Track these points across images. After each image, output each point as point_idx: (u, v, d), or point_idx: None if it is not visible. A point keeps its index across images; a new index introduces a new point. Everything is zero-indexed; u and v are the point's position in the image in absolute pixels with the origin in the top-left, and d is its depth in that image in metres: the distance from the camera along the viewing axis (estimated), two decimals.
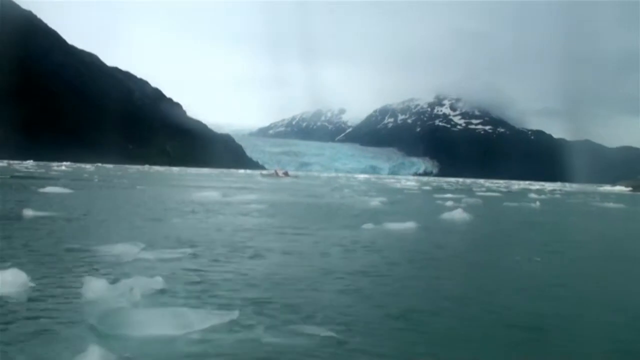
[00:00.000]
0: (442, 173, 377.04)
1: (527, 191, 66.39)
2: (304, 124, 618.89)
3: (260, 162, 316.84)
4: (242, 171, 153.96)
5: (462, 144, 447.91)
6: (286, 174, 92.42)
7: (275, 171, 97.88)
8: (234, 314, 5.74)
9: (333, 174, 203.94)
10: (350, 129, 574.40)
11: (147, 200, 22.19)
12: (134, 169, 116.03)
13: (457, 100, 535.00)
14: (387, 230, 14.30)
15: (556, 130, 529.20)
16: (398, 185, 69.75)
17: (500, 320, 6.28)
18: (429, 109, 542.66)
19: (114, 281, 6.96)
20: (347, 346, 5.15)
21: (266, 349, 4.98)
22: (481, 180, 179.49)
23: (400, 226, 14.96)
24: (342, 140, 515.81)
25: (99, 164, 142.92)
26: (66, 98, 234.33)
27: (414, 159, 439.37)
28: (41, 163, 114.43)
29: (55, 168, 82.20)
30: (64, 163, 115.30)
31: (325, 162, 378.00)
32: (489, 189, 66.62)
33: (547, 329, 6.04)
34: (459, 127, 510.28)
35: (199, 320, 5.50)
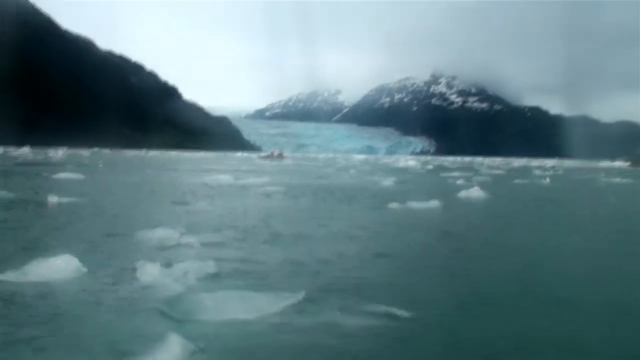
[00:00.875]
0: (439, 152, 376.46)
1: (529, 168, 66.48)
2: (301, 105, 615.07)
3: (258, 144, 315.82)
4: (239, 154, 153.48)
5: (459, 122, 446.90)
6: (280, 155, 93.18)
7: (272, 153, 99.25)
8: (300, 296, 5.69)
9: (331, 155, 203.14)
10: (346, 109, 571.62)
11: (163, 184, 22.11)
12: (131, 153, 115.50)
13: (454, 78, 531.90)
14: (414, 210, 14.28)
15: (553, 106, 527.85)
16: (400, 165, 69.66)
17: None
18: (425, 88, 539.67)
19: (166, 266, 6.92)
20: (420, 325, 5.12)
21: (343, 330, 4.94)
22: (479, 159, 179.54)
23: (425, 205, 14.93)
24: (338, 121, 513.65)
25: (96, 149, 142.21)
26: (61, 83, 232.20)
27: (411, 138, 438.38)
28: (37, 149, 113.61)
29: (52, 154, 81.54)
30: (61, 148, 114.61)
31: (323, 143, 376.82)
32: (490, 167, 66.63)
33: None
34: (455, 105, 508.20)
35: (269, 303, 5.46)
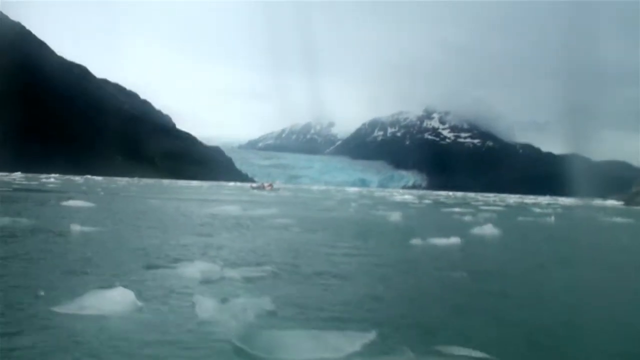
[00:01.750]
0: (431, 186, 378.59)
1: (526, 205, 66.83)
2: (294, 137, 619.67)
3: (250, 175, 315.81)
4: (232, 184, 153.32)
5: (451, 157, 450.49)
6: (271, 186, 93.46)
7: (262, 184, 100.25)
8: (371, 335, 5.62)
9: (323, 187, 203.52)
10: (339, 142, 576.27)
11: (175, 214, 21.93)
12: (123, 181, 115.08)
13: (446, 113, 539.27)
14: (438, 246, 14.25)
15: (544, 143, 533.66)
16: (397, 199, 69.77)
17: None
18: (418, 122, 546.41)
19: (222, 301, 6.83)
20: None
21: None
22: (471, 194, 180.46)
23: (446, 242, 14.91)
24: (331, 153, 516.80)
25: (88, 176, 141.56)
26: (54, 110, 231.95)
27: (403, 172, 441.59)
28: (29, 175, 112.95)
29: (45, 180, 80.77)
30: (53, 175, 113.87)
31: (315, 175, 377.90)
32: (486, 203, 66.93)
33: None
34: (448, 140, 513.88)
35: (346, 343, 5.38)
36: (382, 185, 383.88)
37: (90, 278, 8.01)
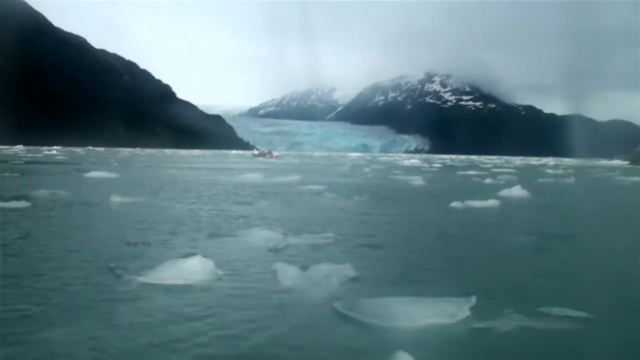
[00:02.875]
0: (433, 150, 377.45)
1: (535, 167, 66.67)
2: (295, 103, 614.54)
3: (252, 143, 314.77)
4: (234, 152, 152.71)
5: (453, 121, 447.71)
6: (270, 154, 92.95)
7: (263, 151, 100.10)
8: (473, 300, 5.52)
9: (325, 153, 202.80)
10: (341, 108, 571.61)
11: (201, 184, 21.78)
12: (126, 151, 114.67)
13: (448, 76, 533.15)
14: (480, 209, 14.21)
15: (546, 105, 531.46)
16: (406, 163, 69.57)
17: None
18: (419, 86, 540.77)
19: (303, 269, 6.73)
20: (596, 326, 5.08)
21: (536, 333, 4.82)
22: (474, 157, 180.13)
23: (486, 204, 14.87)
24: (333, 119, 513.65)
25: (90, 147, 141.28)
26: (54, 81, 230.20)
27: (405, 137, 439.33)
28: (31, 147, 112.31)
29: (47, 152, 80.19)
30: (55, 147, 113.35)
31: (317, 142, 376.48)
32: (495, 165, 66.58)
33: None
34: (449, 103, 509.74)
35: (450, 308, 5.29)
36: (384, 150, 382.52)
37: (160, 249, 7.92)
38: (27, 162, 42.06)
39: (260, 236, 8.76)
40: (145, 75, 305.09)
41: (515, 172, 46.46)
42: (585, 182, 31.22)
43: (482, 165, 66.11)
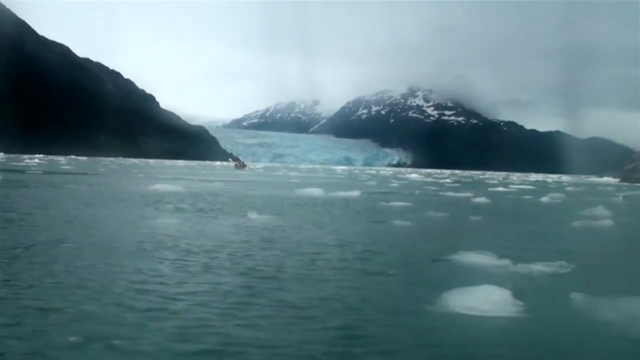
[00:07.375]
0: (415, 164, 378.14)
1: (546, 184, 65.06)
2: (278, 116, 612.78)
3: (235, 154, 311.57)
4: (218, 163, 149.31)
5: (435, 135, 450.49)
6: (243, 165, 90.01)
7: (235, 162, 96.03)
8: None
9: (309, 166, 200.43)
10: (324, 121, 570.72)
11: (250, 198, 19.13)
12: (107, 161, 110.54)
13: (430, 91, 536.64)
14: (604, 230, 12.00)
15: (527, 120, 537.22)
16: (409, 177, 67.34)
17: None
18: (402, 100, 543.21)
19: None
20: None
21: None
22: (458, 171, 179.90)
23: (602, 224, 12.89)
24: (316, 132, 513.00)
25: (72, 156, 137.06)
26: (35, 89, 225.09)
27: (388, 150, 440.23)
28: (11, 156, 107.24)
29: (29, 161, 74.85)
30: (37, 156, 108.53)
31: (300, 154, 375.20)
32: (511, 182, 64.46)
33: None
34: (432, 118, 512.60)
35: None
36: (367, 163, 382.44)
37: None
38: (45, 173, 38.01)
39: (478, 260, 7.24)
40: (129, 84, 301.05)
41: (549, 189, 44.10)
42: (631, 202, 29.31)
43: (489, 182, 64.14)
